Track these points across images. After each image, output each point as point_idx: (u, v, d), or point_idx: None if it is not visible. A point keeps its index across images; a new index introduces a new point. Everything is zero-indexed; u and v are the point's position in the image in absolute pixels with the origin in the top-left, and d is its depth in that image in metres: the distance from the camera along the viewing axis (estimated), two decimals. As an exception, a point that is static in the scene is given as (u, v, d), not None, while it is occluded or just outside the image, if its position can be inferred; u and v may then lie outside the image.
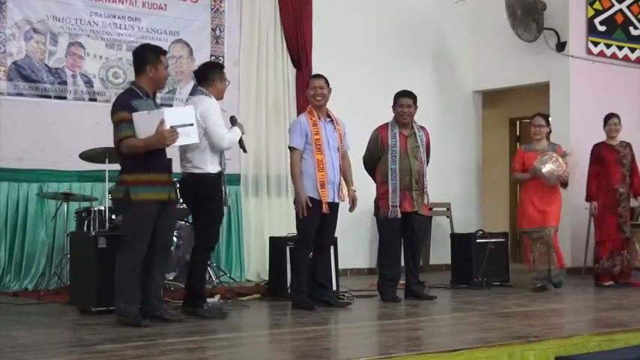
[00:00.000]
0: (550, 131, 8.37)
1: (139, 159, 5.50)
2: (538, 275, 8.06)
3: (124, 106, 5.53)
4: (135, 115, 5.45)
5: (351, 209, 6.90)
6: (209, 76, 6.19)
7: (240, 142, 6.27)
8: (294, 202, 6.66)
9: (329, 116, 6.81)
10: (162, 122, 5.35)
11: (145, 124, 5.42)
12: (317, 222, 6.60)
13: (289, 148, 6.72)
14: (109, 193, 7.12)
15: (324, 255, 6.88)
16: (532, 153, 8.14)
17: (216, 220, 6.15)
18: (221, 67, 6.55)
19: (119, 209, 6.26)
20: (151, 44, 6.05)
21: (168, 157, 5.72)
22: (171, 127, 5.38)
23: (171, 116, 5.43)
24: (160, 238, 5.66)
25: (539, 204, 8.02)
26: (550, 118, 8.59)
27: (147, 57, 5.67)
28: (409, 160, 7.11)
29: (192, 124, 5.50)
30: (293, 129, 6.72)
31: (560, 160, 7.96)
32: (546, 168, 7.91)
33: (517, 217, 8.40)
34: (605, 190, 8.58)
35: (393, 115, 7.28)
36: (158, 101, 6.05)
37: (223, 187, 6.10)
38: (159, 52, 5.75)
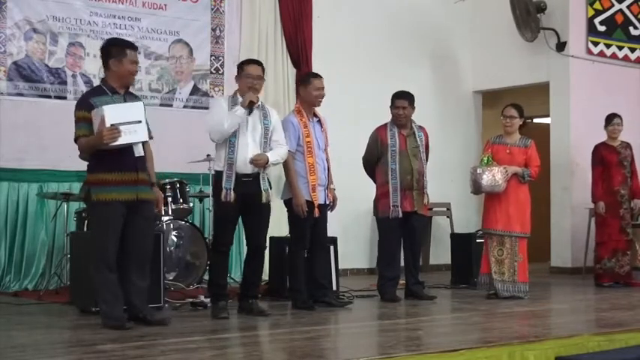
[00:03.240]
0: (525, 124, 7.70)
1: (100, 158, 5.35)
2: (490, 281, 7.35)
3: (82, 105, 5.40)
4: (92, 113, 5.29)
5: (332, 209, 6.89)
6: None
7: (250, 106, 5.99)
8: (287, 204, 6.66)
9: (315, 115, 6.76)
10: (102, 120, 5.16)
11: (95, 123, 5.25)
12: (310, 222, 6.61)
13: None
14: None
15: (322, 255, 6.88)
16: (501, 146, 7.45)
17: (215, 219, 6.09)
18: (242, 63, 6.24)
19: (86, 210, 6.12)
20: (119, 38, 5.96)
21: (138, 155, 5.48)
22: (113, 124, 5.16)
23: (113, 114, 5.19)
24: (133, 239, 5.46)
25: (504, 205, 7.33)
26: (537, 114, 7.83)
27: (110, 51, 5.50)
28: (409, 160, 7.09)
29: (139, 121, 5.26)
30: (285, 130, 6.46)
31: (494, 168, 7.27)
32: (485, 180, 7.20)
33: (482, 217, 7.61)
34: (607, 192, 8.54)
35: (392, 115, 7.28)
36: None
37: (262, 184, 6.07)
38: (125, 45, 5.57)
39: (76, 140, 5.41)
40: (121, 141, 5.21)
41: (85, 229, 7.21)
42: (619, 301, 7.26)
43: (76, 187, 8.04)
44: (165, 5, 8.84)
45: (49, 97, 8.18)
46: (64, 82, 8.26)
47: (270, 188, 6.29)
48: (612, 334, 5.34)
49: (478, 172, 7.29)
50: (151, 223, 5.86)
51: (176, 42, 8.89)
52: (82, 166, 7.56)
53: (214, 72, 9.15)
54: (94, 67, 8.39)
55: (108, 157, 5.32)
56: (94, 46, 8.40)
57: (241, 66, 6.18)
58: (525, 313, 6.49)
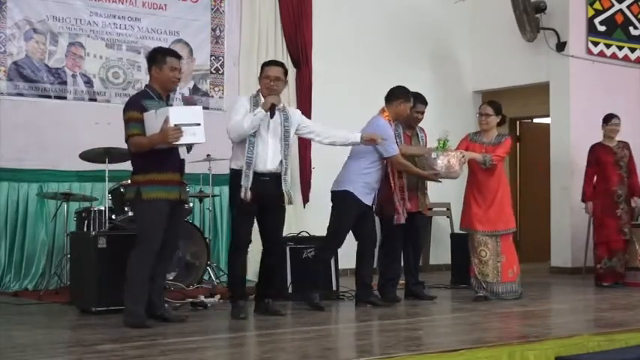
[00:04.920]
0: (504, 121, 7.45)
1: (150, 159, 5.52)
2: (477, 284, 7.23)
3: (134, 105, 5.59)
4: (145, 115, 5.50)
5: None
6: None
7: (272, 108, 5.99)
8: (335, 198, 6.70)
9: None
10: (166, 120, 5.36)
11: (152, 123, 5.45)
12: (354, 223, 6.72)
13: (391, 157, 6.72)
14: (109, 193, 7.14)
15: (371, 254, 6.93)
16: (477, 145, 7.26)
17: (235, 217, 6.07)
18: (263, 64, 6.29)
19: (132, 210, 6.29)
20: (164, 47, 6.14)
21: (182, 157, 5.78)
22: (176, 125, 5.36)
23: (177, 114, 5.43)
24: (170, 237, 5.67)
25: (483, 208, 7.23)
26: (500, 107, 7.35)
27: (153, 58, 5.74)
28: (415, 161, 7.10)
29: (199, 124, 5.47)
30: (389, 134, 6.71)
31: (449, 152, 6.92)
32: (440, 166, 6.90)
33: (461, 216, 7.47)
34: (603, 193, 8.54)
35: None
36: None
37: (283, 185, 6.06)
38: (167, 53, 5.80)
39: (127, 139, 5.57)
40: (182, 141, 5.43)
41: (85, 229, 7.21)
42: (619, 301, 7.26)
43: (76, 187, 8.05)
44: (165, 5, 8.84)
45: (49, 97, 8.18)
46: (64, 82, 8.26)
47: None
48: (612, 334, 5.34)
49: (433, 156, 6.97)
50: (183, 223, 6.24)
51: (176, 42, 8.89)
52: (82, 166, 7.64)
53: (214, 72, 9.15)
54: (94, 67, 8.41)
55: (157, 158, 5.52)
56: (93, 46, 8.42)
57: (262, 67, 6.25)
58: (525, 313, 6.49)
